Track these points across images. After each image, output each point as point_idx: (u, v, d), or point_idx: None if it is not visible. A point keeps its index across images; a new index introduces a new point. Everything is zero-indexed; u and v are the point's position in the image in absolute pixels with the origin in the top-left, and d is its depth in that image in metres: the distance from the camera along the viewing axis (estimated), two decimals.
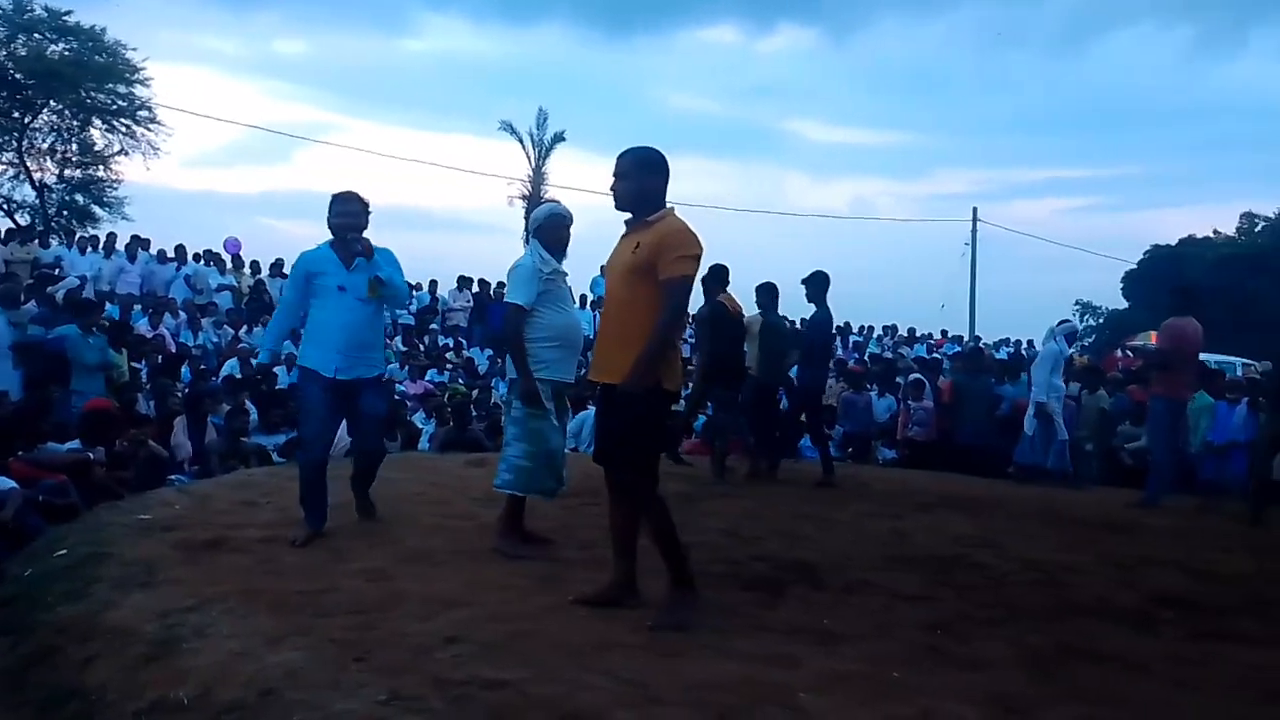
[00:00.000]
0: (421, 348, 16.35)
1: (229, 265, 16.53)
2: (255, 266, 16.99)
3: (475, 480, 6.69)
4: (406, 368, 14.57)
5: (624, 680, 3.16)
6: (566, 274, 5.05)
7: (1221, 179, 69.75)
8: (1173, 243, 41.19)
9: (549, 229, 5.05)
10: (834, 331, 9.85)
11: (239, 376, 11.44)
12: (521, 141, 30.03)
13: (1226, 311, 33.05)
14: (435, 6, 63.26)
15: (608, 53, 68.51)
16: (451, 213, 57.64)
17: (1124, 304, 41.00)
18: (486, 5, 66.76)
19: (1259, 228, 40.43)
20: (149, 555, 4.55)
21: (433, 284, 18.83)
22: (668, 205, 3.93)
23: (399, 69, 59.08)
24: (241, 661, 3.26)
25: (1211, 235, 41.26)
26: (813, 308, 8.36)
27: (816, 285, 8.27)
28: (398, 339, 16.52)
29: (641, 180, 3.89)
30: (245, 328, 15.03)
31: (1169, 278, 37.54)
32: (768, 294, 8.53)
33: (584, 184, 66.64)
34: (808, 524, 6.08)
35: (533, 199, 29.68)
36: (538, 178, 30.04)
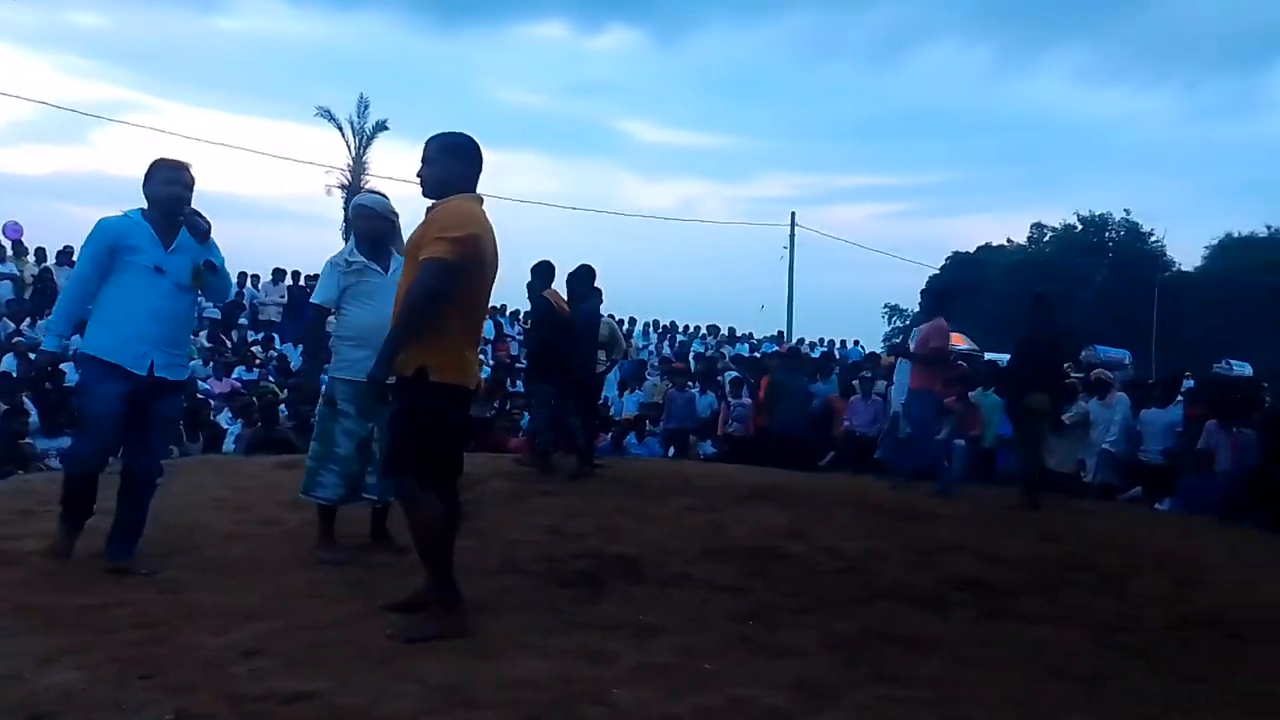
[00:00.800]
0: (229, 343, 15.50)
1: (9, 252, 15.16)
2: (40, 254, 15.65)
3: (283, 483, 6.38)
4: (211, 365, 13.78)
5: (435, 685, 3.07)
6: (379, 269, 4.78)
7: (1016, 189, 75.46)
8: (972, 249, 44.25)
9: (356, 221, 4.89)
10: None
11: (16, 374, 10.52)
12: (341, 129, 29.08)
13: (1017, 314, 35.83)
14: None
15: (435, 42, 67.30)
16: (266, 201, 55.08)
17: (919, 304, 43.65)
18: None
19: (1046, 237, 43.90)
20: None
21: (243, 276, 17.85)
22: (475, 194, 3.77)
23: (209, 47, 55.92)
24: (9, 685, 2.97)
25: (1006, 243, 44.50)
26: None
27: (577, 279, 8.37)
28: (203, 334, 15.61)
29: (446, 166, 3.72)
30: (27, 320, 13.82)
31: (968, 282, 40.49)
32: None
33: (408, 174, 64.73)
34: (630, 519, 6.13)
35: (352, 188, 28.73)
36: (358, 167, 29.16)
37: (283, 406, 10.67)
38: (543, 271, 8.26)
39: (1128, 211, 41.81)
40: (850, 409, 11.63)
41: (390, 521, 4.95)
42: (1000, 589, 4.95)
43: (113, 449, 4.53)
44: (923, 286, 10.00)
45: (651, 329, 22.28)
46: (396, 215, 4.90)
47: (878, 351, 22.56)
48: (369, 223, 4.84)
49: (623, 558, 5.02)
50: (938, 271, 42.81)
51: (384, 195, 5.07)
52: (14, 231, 15.48)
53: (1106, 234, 42.23)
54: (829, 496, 7.53)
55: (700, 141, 71.48)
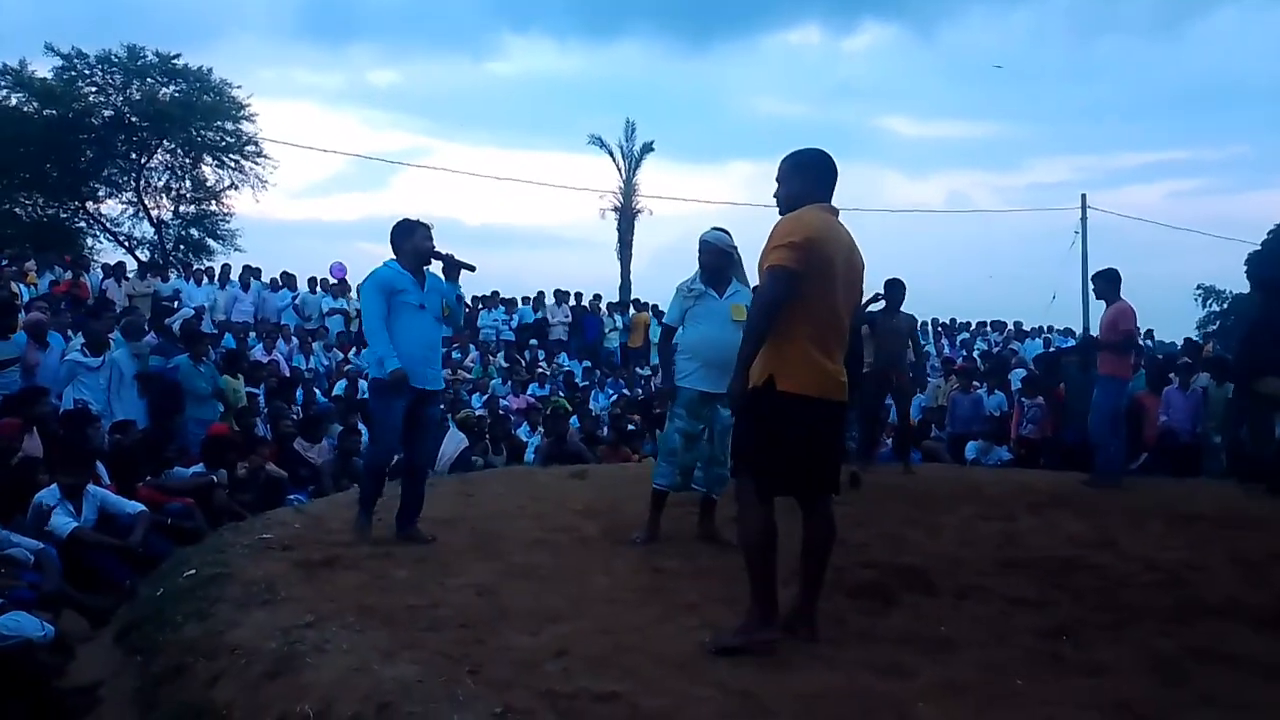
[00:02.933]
0: (523, 362, 16.63)
1: (337, 290, 17.09)
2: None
3: (576, 493, 6.75)
4: (509, 382, 14.83)
5: (733, 691, 3.14)
6: (715, 295, 5.40)
7: None
8: None
9: (701, 254, 5.50)
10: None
11: (348, 397, 11.82)
12: (611, 154, 30.15)
13: None
14: (518, 28, 64.30)
15: (692, 62, 68.33)
16: (544, 229, 58.42)
17: (1249, 287, 38.95)
18: (568, 23, 67.32)
19: None
20: (269, 574, 4.71)
21: (540, 296, 19.08)
22: (826, 205, 3.79)
23: (487, 91, 60.14)
24: (359, 676, 3.34)
25: None
26: None
27: None
28: (499, 355, 16.83)
29: (791, 182, 3.82)
30: (354, 350, 15.54)
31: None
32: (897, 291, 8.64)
33: (675, 192, 66.60)
34: (915, 529, 5.95)
35: (624, 211, 29.82)
36: (628, 189, 30.12)
37: (574, 419, 11.28)
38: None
39: None
40: (1165, 403, 10.63)
41: (718, 518, 5.50)
42: None
43: (397, 449, 5.72)
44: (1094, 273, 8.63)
45: (930, 327, 21.46)
46: (735, 248, 5.50)
47: (1194, 338, 20.38)
48: (710, 257, 5.46)
49: (910, 568, 4.88)
50: (1258, 247, 38.12)
51: (725, 231, 5.57)
52: (339, 271, 17.45)
53: None
54: (1140, 503, 6.93)
55: (966, 132, 67.75)
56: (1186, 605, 4.35)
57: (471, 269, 5.74)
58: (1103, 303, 8.26)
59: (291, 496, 8.00)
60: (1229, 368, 9.88)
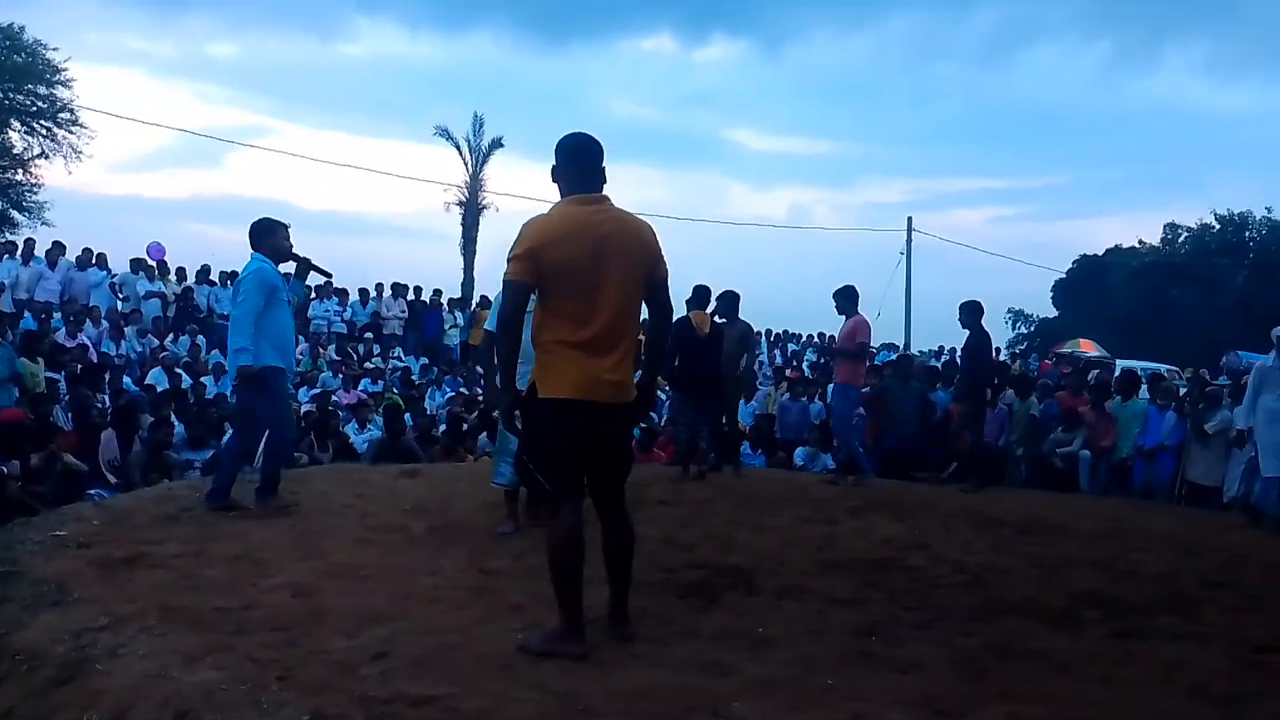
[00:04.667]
0: (355, 356, 16.09)
1: (155, 272, 16.09)
2: (181, 273, 16.57)
3: (406, 491, 6.59)
4: (340, 376, 14.33)
5: (554, 692, 3.12)
6: None
7: (1144, 189, 71.62)
8: (1100, 252, 42.32)
9: None
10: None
11: (161, 388, 11.15)
12: (458, 147, 29.73)
13: (1149, 318, 34.21)
14: (368, 11, 62.17)
15: (545, 59, 68.25)
16: (387, 219, 56.94)
17: (1054, 312, 42.01)
18: (420, 11, 65.99)
19: (1181, 238, 41.66)
20: (62, 573, 4.38)
21: (364, 292, 18.50)
22: (577, 195, 3.66)
23: (332, 73, 58.02)
24: (157, 682, 3.15)
25: (1137, 245, 42.44)
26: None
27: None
28: (331, 347, 16.25)
29: (554, 178, 3.74)
30: (171, 336, 14.65)
31: (1096, 286, 38.76)
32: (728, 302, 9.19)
33: (523, 190, 66.18)
34: (743, 530, 6.10)
35: (470, 205, 29.43)
36: (474, 184, 29.76)
37: (407, 417, 11.00)
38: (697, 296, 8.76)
39: (1269, 209, 39.36)
40: None
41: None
42: (1134, 606, 4.72)
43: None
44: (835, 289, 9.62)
45: (764, 338, 22.11)
46: None
47: (1004, 359, 21.78)
48: None
49: (736, 568, 5.00)
50: (1064, 276, 41.14)
51: None
52: (158, 252, 16.42)
53: (1246, 233, 39.82)
54: (949, 508, 7.34)
55: (809, 149, 70.54)
56: (989, 605, 4.62)
57: (328, 275, 6.47)
58: (843, 317, 8.94)
59: (92, 491, 7.45)
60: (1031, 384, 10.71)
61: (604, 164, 3.73)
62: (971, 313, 9.17)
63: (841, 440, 9.37)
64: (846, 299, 8.94)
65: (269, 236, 5.99)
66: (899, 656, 3.75)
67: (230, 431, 7.29)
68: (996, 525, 6.74)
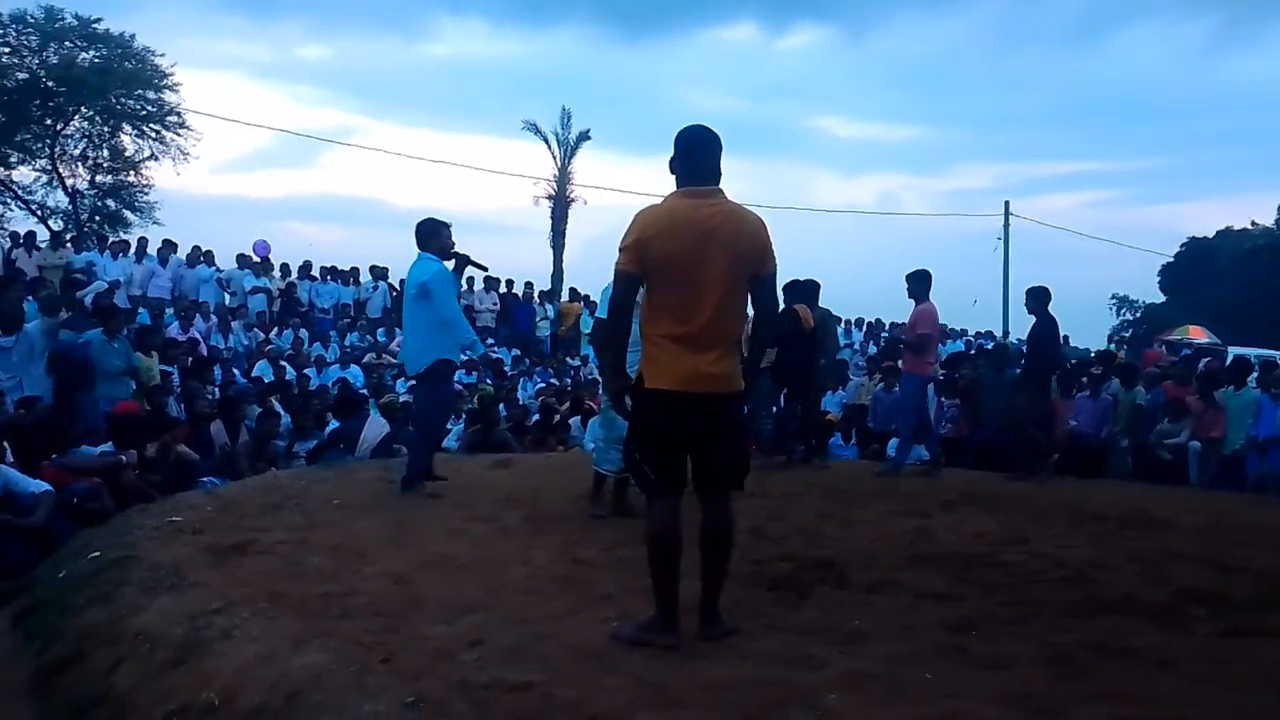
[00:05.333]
0: None
1: (260, 269, 16.69)
2: (285, 269, 17.16)
3: (498, 482, 6.72)
4: None
5: (645, 682, 3.16)
6: None
7: (1253, 170, 68.38)
8: (1209, 234, 40.50)
9: None
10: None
11: (266, 380, 11.57)
12: (546, 141, 29.95)
13: (1262, 303, 32.59)
14: (454, 10, 63.40)
15: (628, 53, 68.36)
16: (476, 214, 57.72)
17: (1160, 298, 40.40)
18: (504, 8, 66.82)
19: None
20: (177, 558, 4.61)
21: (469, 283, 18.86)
22: (683, 189, 3.68)
23: (421, 72, 59.35)
24: (267, 665, 3.29)
25: (1249, 226, 40.47)
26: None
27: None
28: None
29: (670, 162, 3.74)
30: (275, 330, 15.18)
31: (1205, 270, 37.09)
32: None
33: (608, 182, 66.53)
34: (831, 523, 6.05)
35: (559, 199, 29.67)
36: (563, 177, 29.98)
37: (502, 407, 11.20)
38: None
39: None
40: (1075, 409, 10.97)
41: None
42: (1243, 604, 4.53)
43: None
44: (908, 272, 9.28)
45: (855, 327, 21.81)
46: None
47: (1110, 349, 21.06)
48: None
49: (826, 562, 4.96)
50: (1171, 259, 39.48)
51: None
52: (263, 249, 17.03)
53: None
54: (1046, 502, 7.16)
55: (896, 135, 69.19)
56: (1089, 601, 4.50)
57: (485, 269, 7.23)
58: (913, 302, 8.76)
59: (204, 479, 7.79)
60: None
61: (720, 157, 3.70)
62: (1038, 298, 8.89)
63: (903, 430, 9.26)
64: (919, 283, 8.72)
65: (435, 236, 6.49)
66: (995, 653, 3.68)
67: (414, 421, 7.67)
68: (1097, 519, 6.54)
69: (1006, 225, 30.72)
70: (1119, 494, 8.03)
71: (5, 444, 6.43)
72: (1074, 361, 15.06)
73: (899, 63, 69.85)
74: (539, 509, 6.08)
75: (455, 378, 6.84)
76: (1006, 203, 31.17)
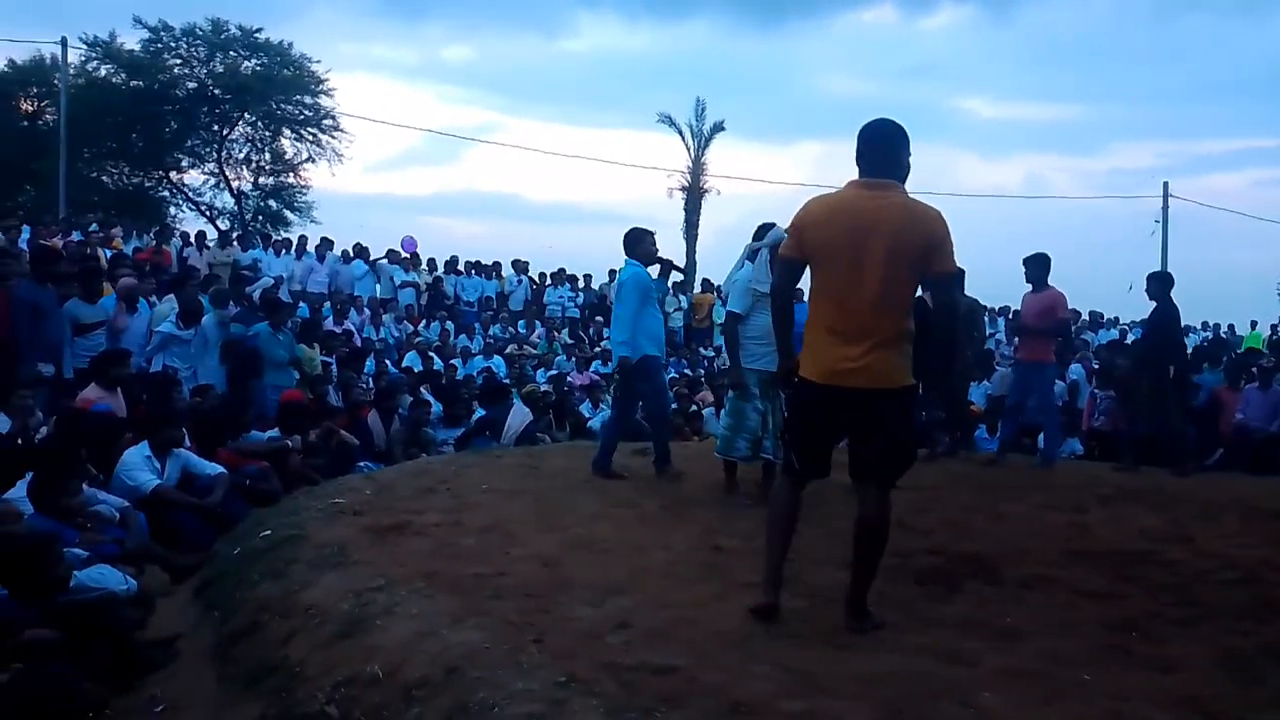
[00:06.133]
0: (587, 340, 16.72)
1: (410, 263, 17.34)
2: (432, 264, 17.78)
3: (637, 469, 6.80)
4: (573, 359, 14.94)
5: (791, 670, 3.16)
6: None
7: None
8: None
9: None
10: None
11: (416, 370, 12.01)
12: (681, 133, 29.99)
13: None
14: (589, 6, 63.95)
15: (762, 41, 67.38)
16: (610, 206, 58.44)
17: None
18: (638, 1, 67.13)
19: None
20: (341, 538, 4.85)
21: (588, 278, 19.16)
22: (856, 179, 3.67)
23: (557, 68, 60.23)
24: (427, 640, 3.44)
25: None
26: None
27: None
28: (564, 332, 16.96)
29: (855, 155, 3.71)
30: (424, 322, 15.76)
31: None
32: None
33: (741, 171, 66.15)
34: (980, 516, 5.88)
35: (692, 190, 29.70)
36: (697, 168, 29.99)
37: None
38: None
39: None
40: (1243, 400, 10.31)
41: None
42: None
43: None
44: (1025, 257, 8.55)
45: (1000, 315, 21.01)
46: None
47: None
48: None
49: (976, 556, 4.83)
50: None
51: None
52: (411, 245, 17.71)
53: None
54: (1214, 498, 6.74)
55: (1044, 114, 65.82)
56: (1264, 603, 4.23)
57: (683, 272, 7.47)
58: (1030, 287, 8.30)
59: (361, 464, 8.18)
60: None
61: (902, 151, 3.66)
62: (1161, 283, 8.54)
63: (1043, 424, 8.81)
64: (1040, 267, 8.27)
65: (640, 244, 6.86)
66: (1161, 655, 3.52)
67: (611, 409, 8.08)
68: (1272, 518, 6.14)
69: (1166, 207, 28.99)
70: None
71: (185, 430, 6.90)
72: (1237, 351, 14.16)
73: (1047, 39, 66.55)
74: (678, 496, 6.12)
75: (660, 371, 7.18)
76: (1165, 183, 29.42)
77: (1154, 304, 8.53)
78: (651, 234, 6.97)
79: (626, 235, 6.94)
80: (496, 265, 18.51)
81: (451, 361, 13.73)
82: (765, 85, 55.27)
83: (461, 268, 17.97)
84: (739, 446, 6.05)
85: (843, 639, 3.51)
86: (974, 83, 68.66)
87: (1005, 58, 67.21)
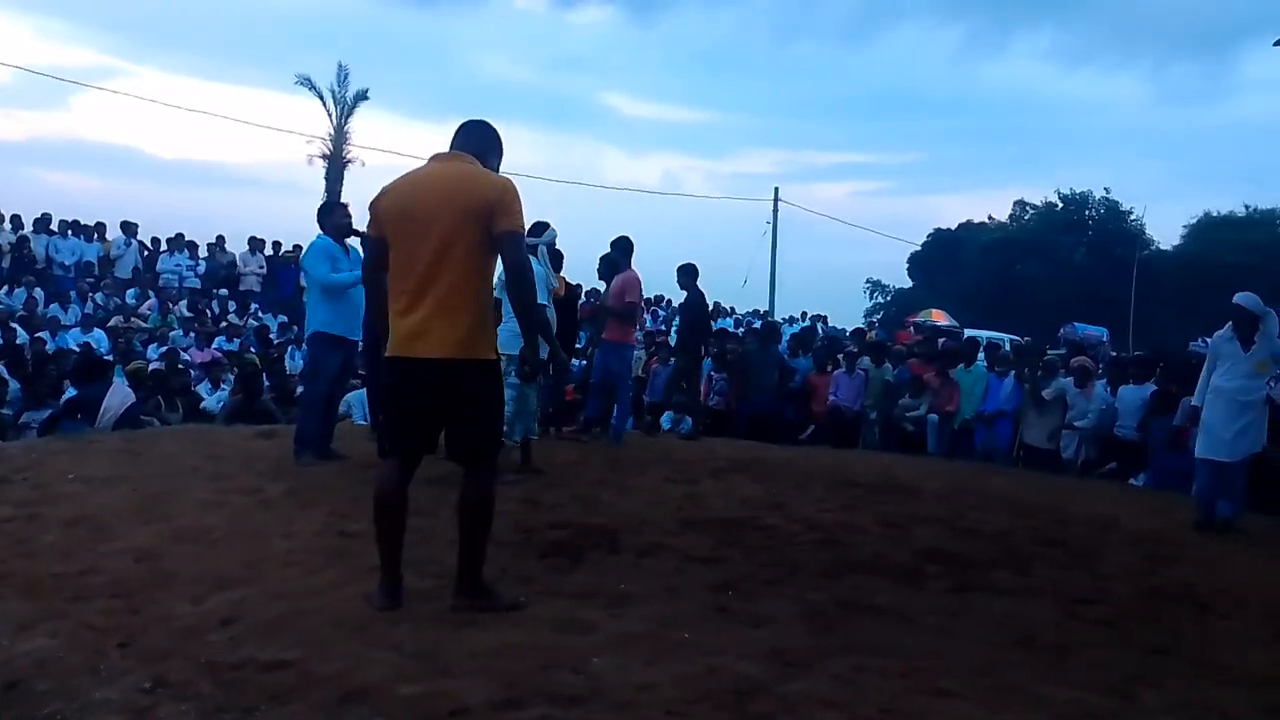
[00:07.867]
0: (209, 314, 15.39)
1: None
2: (16, 221, 15.46)
3: (262, 453, 6.37)
4: (192, 335, 13.70)
5: (410, 653, 3.09)
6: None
7: (995, 168, 75.26)
8: (953, 226, 44.21)
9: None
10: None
11: None
12: (321, 98, 28.52)
13: (996, 290, 36.02)
14: None
15: (418, 14, 66.29)
16: (244, 169, 54.42)
17: (909, 283, 43.74)
18: None
19: (1028, 215, 43.82)
20: None
21: (221, 241, 17.68)
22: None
23: (186, 13, 54.98)
24: None
25: (987, 220, 44.47)
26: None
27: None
28: (182, 304, 15.50)
29: None
30: (5, 288, 13.69)
31: (949, 259, 40.51)
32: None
33: (392, 145, 64.30)
34: (608, 490, 6.15)
35: (334, 158, 28.35)
36: (339, 137, 28.65)
37: (265, 377, 10.63)
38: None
39: (1107, 190, 41.71)
40: (834, 383, 11.69)
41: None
42: (973, 562, 5.00)
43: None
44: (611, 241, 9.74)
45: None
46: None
47: (862, 327, 22.57)
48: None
49: (600, 528, 5.05)
50: (919, 248, 42.88)
51: None
52: None
53: (1087, 212, 42.19)
54: (807, 470, 7.58)
55: (683, 116, 71.12)
56: (840, 561, 4.81)
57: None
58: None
59: None
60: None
61: (483, 136, 3.84)
62: (688, 275, 9.59)
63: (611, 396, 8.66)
64: (623, 251, 8.64)
65: (328, 216, 6.81)
66: (753, 611, 3.87)
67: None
68: (850, 486, 7.00)
69: (776, 210, 32.21)
70: (870, 462, 8.63)
71: None
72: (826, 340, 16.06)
73: (685, 46, 71.66)
74: (306, 480, 5.81)
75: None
76: (776, 189, 32.71)
77: (685, 293, 9.58)
78: (343, 206, 7.03)
79: (318, 210, 6.93)
80: (100, 226, 16.45)
81: (39, 334, 12.05)
82: (418, 60, 54.15)
83: (55, 226, 15.78)
84: (517, 429, 6.28)
85: (464, 617, 3.50)
86: (618, 80, 72.14)
87: (647, 59, 71.35)
